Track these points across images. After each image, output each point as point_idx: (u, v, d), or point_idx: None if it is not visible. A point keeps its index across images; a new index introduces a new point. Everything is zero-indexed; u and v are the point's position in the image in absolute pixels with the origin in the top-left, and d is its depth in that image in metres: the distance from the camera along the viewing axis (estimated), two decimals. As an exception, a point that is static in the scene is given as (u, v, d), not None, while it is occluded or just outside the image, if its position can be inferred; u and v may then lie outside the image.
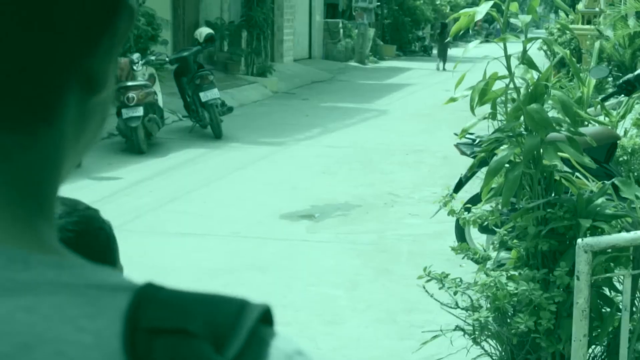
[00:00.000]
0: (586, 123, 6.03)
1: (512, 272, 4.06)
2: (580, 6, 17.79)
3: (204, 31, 14.70)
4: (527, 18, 3.96)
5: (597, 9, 16.62)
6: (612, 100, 7.71)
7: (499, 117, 4.17)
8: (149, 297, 0.61)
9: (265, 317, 0.64)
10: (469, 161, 5.43)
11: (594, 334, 3.91)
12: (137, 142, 11.87)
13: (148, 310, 0.60)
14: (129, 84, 11.91)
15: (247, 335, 0.61)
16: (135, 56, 12.42)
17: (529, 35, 4.06)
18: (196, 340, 0.59)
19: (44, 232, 0.65)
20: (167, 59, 13.70)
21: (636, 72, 7.01)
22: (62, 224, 1.63)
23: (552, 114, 4.13)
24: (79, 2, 0.64)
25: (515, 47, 4.11)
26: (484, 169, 4.14)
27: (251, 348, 0.61)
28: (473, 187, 6.92)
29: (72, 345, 0.58)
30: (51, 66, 0.64)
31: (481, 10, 3.90)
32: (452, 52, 34.61)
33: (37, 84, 0.64)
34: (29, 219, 0.64)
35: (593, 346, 4.01)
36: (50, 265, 0.61)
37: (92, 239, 1.69)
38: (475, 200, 5.45)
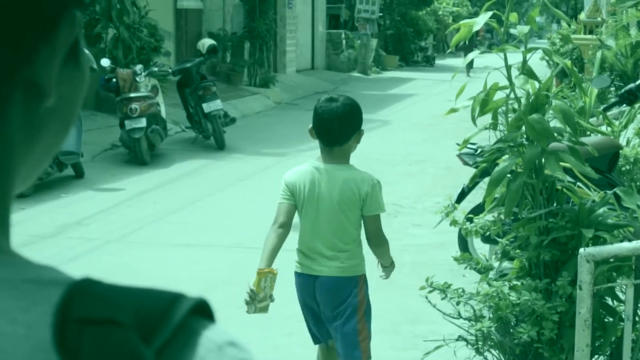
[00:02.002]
0: (588, 133, 6.04)
1: (514, 282, 4.06)
2: (582, 16, 17.81)
3: (206, 42, 14.72)
4: (525, 28, 3.97)
5: (598, 19, 16.64)
6: (614, 110, 7.71)
7: (500, 127, 4.18)
8: (82, 290, 0.63)
9: (202, 310, 0.66)
10: (471, 171, 5.43)
11: (596, 344, 3.91)
12: (140, 153, 11.88)
13: (80, 303, 0.62)
14: (132, 95, 11.93)
15: (175, 325, 0.63)
16: (138, 67, 12.44)
17: (530, 45, 4.07)
18: (124, 329, 0.61)
19: None
20: (170, 70, 13.73)
21: (638, 82, 7.02)
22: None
23: (553, 124, 4.14)
24: (12, 14, 0.65)
25: (517, 57, 4.12)
26: (486, 179, 4.15)
27: (179, 338, 0.63)
28: (475, 197, 6.92)
29: (3, 337, 0.60)
30: None
31: (480, 21, 3.91)
32: (453, 62, 34.64)
33: None
34: None
35: (596, 356, 4.01)
36: None
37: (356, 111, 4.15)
38: (477, 210, 5.45)
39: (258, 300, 4.20)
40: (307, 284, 4.27)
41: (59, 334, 0.61)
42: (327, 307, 4.23)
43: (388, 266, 4.42)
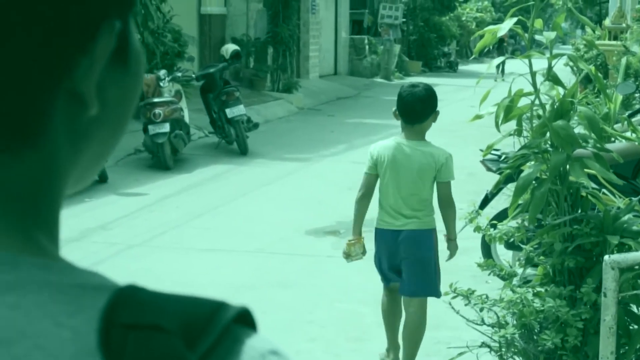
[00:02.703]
0: (613, 139, 6.00)
1: (538, 289, 4.04)
2: (606, 22, 17.73)
3: (230, 48, 14.76)
4: (551, 35, 3.95)
5: (623, 25, 16.55)
6: (639, 117, 7.67)
7: (524, 133, 4.17)
8: (128, 296, 0.64)
9: (245, 319, 0.66)
10: (494, 177, 5.42)
11: (621, 352, 3.88)
12: (164, 158, 11.92)
13: (125, 308, 0.63)
14: (156, 100, 11.97)
15: (219, 333, 0.63)
16: (162, 72, 12.49)
17: (555, 51, 4.05)
18: (168, 335, 0.62)
19: (39, 239, 0.68)
20: (193, 75, 13.76)
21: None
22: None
23: (578, 130, 4.12)
24: (51, 26, 0.65)
25: (541, 63, 4.11)
26: (510, 185, 4.13)
27: (222, 345, 0.64)
28: (499, 203, 6.90)
29: (50, 340, 0.61)
30: (26, 92, 0.66)
31: (504, 27, 3.91)
32: (476, 67, 34.54)
33: (11, 109, 0.65)
34: (22, 227, 0.67)
35: (620, 364, 3.99)
36: (38, 267, 0.65)
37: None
38: (501, 216, 5.44)
39: (352, 258, 5.43)
40: (391, 237, 5.17)
41: (104, 338, 0.62)
42: (409, 254, 5.14)
43: (453, 239, 5.25)
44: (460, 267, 7.08)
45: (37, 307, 0.62)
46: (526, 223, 4.10)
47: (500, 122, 4.00)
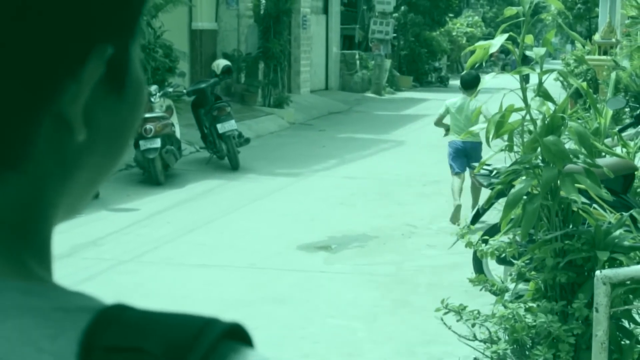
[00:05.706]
0: (603, 154, 6.02)
1: (530, 304, 4.05)
2: (596, 37, 17.79)
3: (221, 63, 14.78)
4: (541, 50, 3.97)
5: (613, 40, 16.61)
6: (630, 131, 7.70)
7: (515, 149, 4.18)
8: (111, 317, 0.63)
9: (238, 334, 0.65)
10: (486, 192, 5.43)
11: (613, 367, 3.89)
12: (155, 174, 11.91)
13: (107, 330, 0.62)
14: (147, 115, 11.95)
15: (205, 351, 0.62)
16: (153, 88, 12.48)
17: (545, 66, 4.07)
18: (150, 357, 0.61)
19: (27, 262, 0.67)
20: (184, 90, 13.77)
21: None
22: None
23: (569, 145, 4.13)
24: (42, 48, 0.64)
25: (531, 78, 4.12)
26: (502, 201, 4.14)
27: None
28: (490, 218, 6.91)
29: None
30: (10, 114, 0.64)
31: (496, 43, 3.92)
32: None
33: None
34: (8, 251, 0.66)
35: (612, 379, 3.99)
36: (21, 291, 0.64)
37: None
38: (492, 231, 5.45)
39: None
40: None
41: None
42: None
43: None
44: (452, 282, 7.09)
45: (19, 333, 0.61)
46: (518, 238, 4.11)
47: (491, 137, 4.01)
